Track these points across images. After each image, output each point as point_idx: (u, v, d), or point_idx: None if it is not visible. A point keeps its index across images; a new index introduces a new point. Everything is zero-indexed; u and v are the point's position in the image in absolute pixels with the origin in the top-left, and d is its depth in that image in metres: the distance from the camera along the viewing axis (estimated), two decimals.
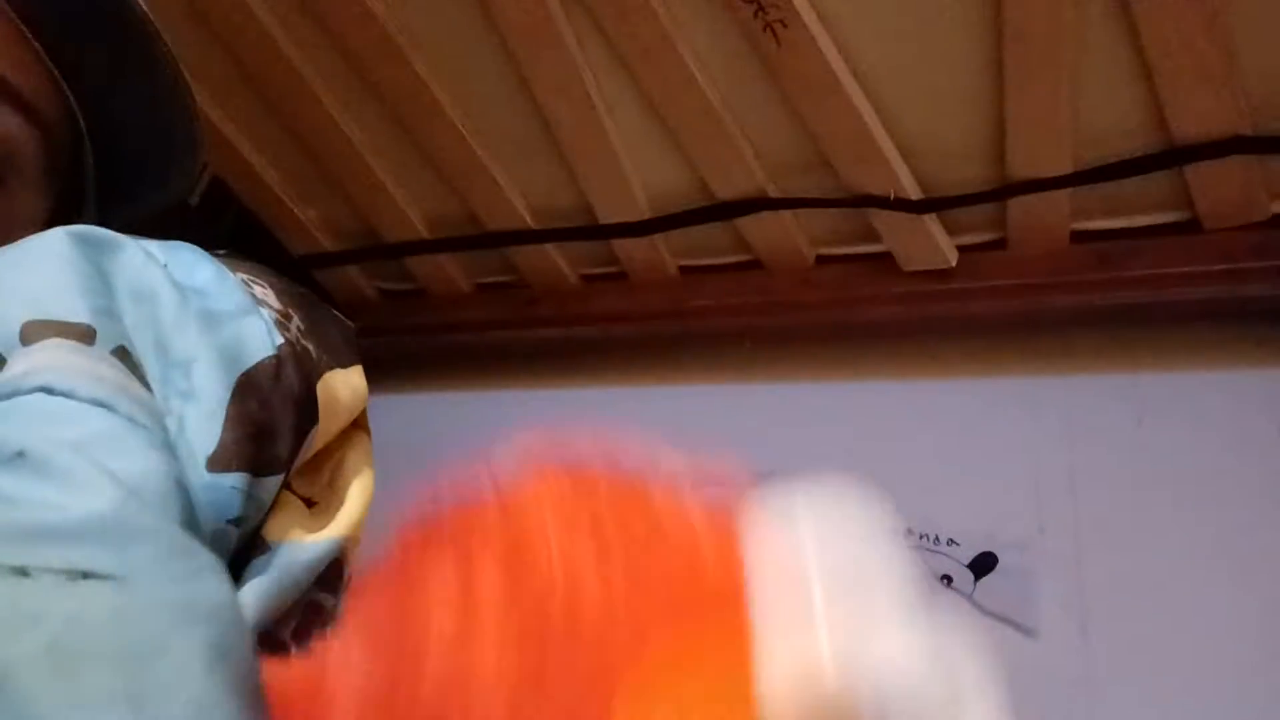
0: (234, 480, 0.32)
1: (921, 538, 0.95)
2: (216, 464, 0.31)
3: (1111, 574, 0.88)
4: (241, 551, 0.33)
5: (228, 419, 0.32)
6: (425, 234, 1.06)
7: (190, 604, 0.24)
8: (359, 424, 0.42)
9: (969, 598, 0.92)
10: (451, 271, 1.09)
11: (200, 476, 0.31)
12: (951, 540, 0.94)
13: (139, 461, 0.27)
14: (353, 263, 1.13)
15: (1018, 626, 0.89)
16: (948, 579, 0.93)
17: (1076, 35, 0.71)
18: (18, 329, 0.30)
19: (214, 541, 0.31)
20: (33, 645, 0.21)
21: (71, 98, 0.43)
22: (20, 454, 0.25)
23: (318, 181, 1.04)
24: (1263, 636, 0.81)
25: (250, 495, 0.33)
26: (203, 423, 0.32)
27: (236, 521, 0.32)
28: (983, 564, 0.92)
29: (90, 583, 0.22)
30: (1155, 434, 0.91)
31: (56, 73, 0.42)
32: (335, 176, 1.02)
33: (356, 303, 1.17)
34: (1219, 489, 0.86)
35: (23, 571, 0.22)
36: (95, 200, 0.47)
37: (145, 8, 0.45)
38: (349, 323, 0.41)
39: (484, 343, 1.15)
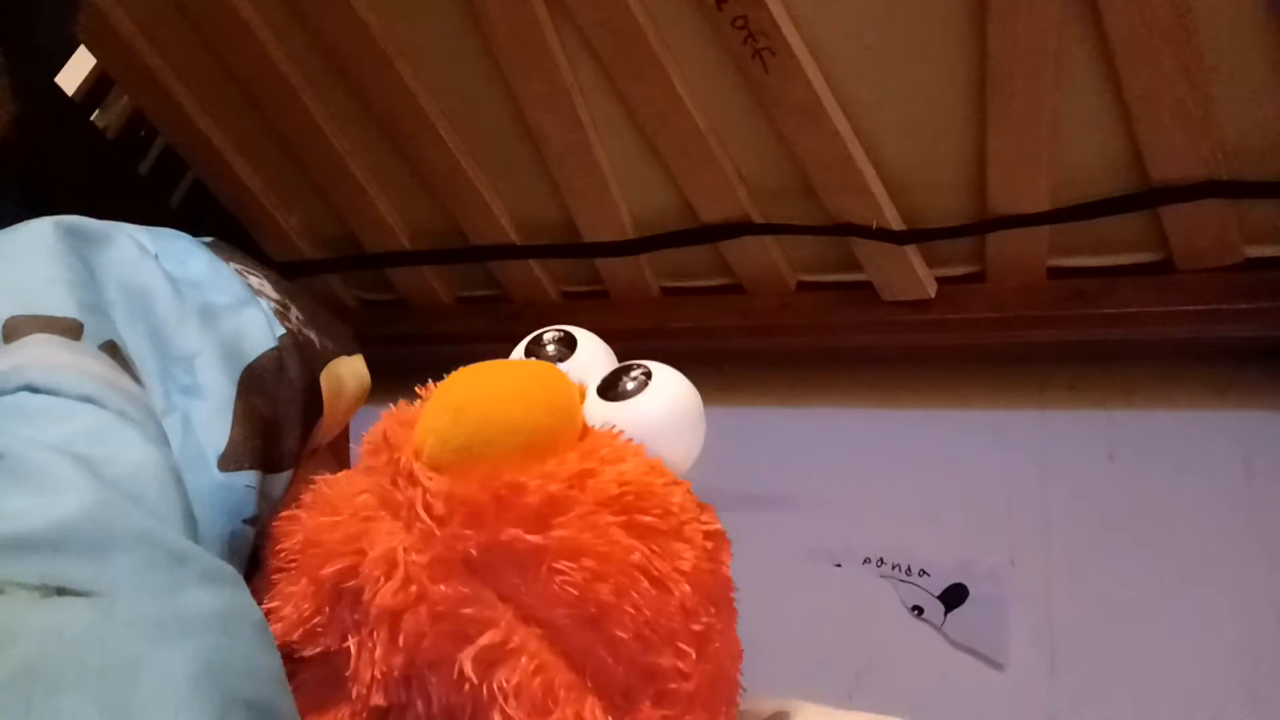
0: (247, 479, 0.31)
1: (894, 567, 0.95)
2: (229, 463, 0.30)
3: (1081, 608, 0.88)
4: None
5: (236, 416, 0.31)
6: (408, 245, 1.05)
7: (174, 618, 0.22)
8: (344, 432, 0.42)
9: (939, 629, 0.92)
10: (433, 283, 1.09)
11: (213, 476, 0.30)
12: (923, 571, 0.94)
13: (132, 455, 0.26)
14: (334, 271, 1.12)
15: (987, 659, 0.89)
16: (919, 609, 0.93)
17: (1058, 77, 0.72)
18: (0, 325, 0.28)
19: (231, 542, 0.30)
20: (5, 671, 0.20)
21: None
22: None
23: (301, 189, 1.04)
24: (1228, 672, 0.82)
25: (263, 492, 0.32)
26: (211, 420, 0.31)
27: (253, 520, 0.31)
28: (954, 595, 0.92)
29: (66, 599, 0.21)
30: (1126, 470, 0.92)
31: None
32: (319, 184, 1.02)
33: (337, 312, 1.16)
34: (1187, 525, 0.87)
35: None
36: None
37: None
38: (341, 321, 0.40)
39: (465, 355, 1.14)
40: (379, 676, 0.29)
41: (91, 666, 0.20)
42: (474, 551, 0.31)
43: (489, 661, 0.30)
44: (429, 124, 0.91)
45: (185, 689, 0.21)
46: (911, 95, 0.78)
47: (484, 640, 0.30)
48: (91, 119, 1.01)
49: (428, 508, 0.31)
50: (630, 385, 0.38)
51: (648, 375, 0.38)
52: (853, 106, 0.79)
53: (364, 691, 0.29)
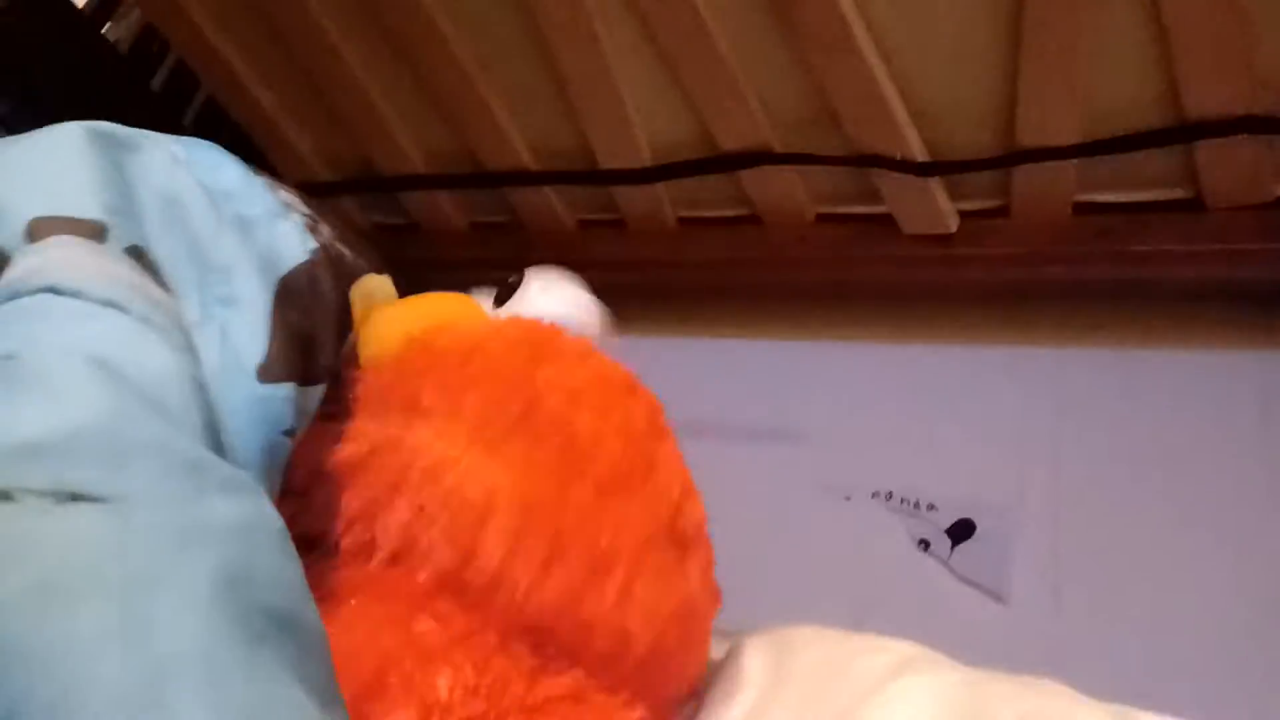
0: (285, 391, 0.31)
1: (902, 501, 0.96)
2: (268, 375, 0.30)
3: (1088, 544, 0.89)
4: None
5: (273, 327, 0.31)
6: (422, 169, 1.04)
7: (195, 526, 0.21)
8: None
9: (945, 563, 0.93)
10: (447, 209, 1.08)
11: (253, 388, 0.29)
12: (931, 505, 0.94)
13: (155, 362, 0.25)
14: (347, 193, 1.11)
15: (991, 593, 0.90)
16: (925, 543, 0.94)
17: (1095, 4, 0.69)
18: (24, 226, 0.27)
19: (271, 453, 0.30)
20: (21, 583, 0.19)
21: None
22: (9, 357, 0.22)
23: (315, 110, 1.02)
24: (1234, 613, 0.83)
25: (298, 406, 0.31)
26: (249, 330, 0.30)
27: (289, 432, 0.31)
28: (961, 530, 0.93)
29: (81, 505, 0.20)
30: (1140, 409, 0.91)
31: None
32: (334, 106, 1.00)
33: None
34: (1199, 466, 0.87)
35: (4, 495, 0.20)
36: None
37: None
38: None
39: (478, 282, 1.14)
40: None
41: (110, 577, 0.20)
42: None
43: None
44: (444, 44, 0.89)
45: (206, 599, 0.20)
46: (942, 23, 0.76)
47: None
48: (103, 31, 0.99)
49: None
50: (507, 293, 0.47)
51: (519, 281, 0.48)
52: (881, 34, 0.77)
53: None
